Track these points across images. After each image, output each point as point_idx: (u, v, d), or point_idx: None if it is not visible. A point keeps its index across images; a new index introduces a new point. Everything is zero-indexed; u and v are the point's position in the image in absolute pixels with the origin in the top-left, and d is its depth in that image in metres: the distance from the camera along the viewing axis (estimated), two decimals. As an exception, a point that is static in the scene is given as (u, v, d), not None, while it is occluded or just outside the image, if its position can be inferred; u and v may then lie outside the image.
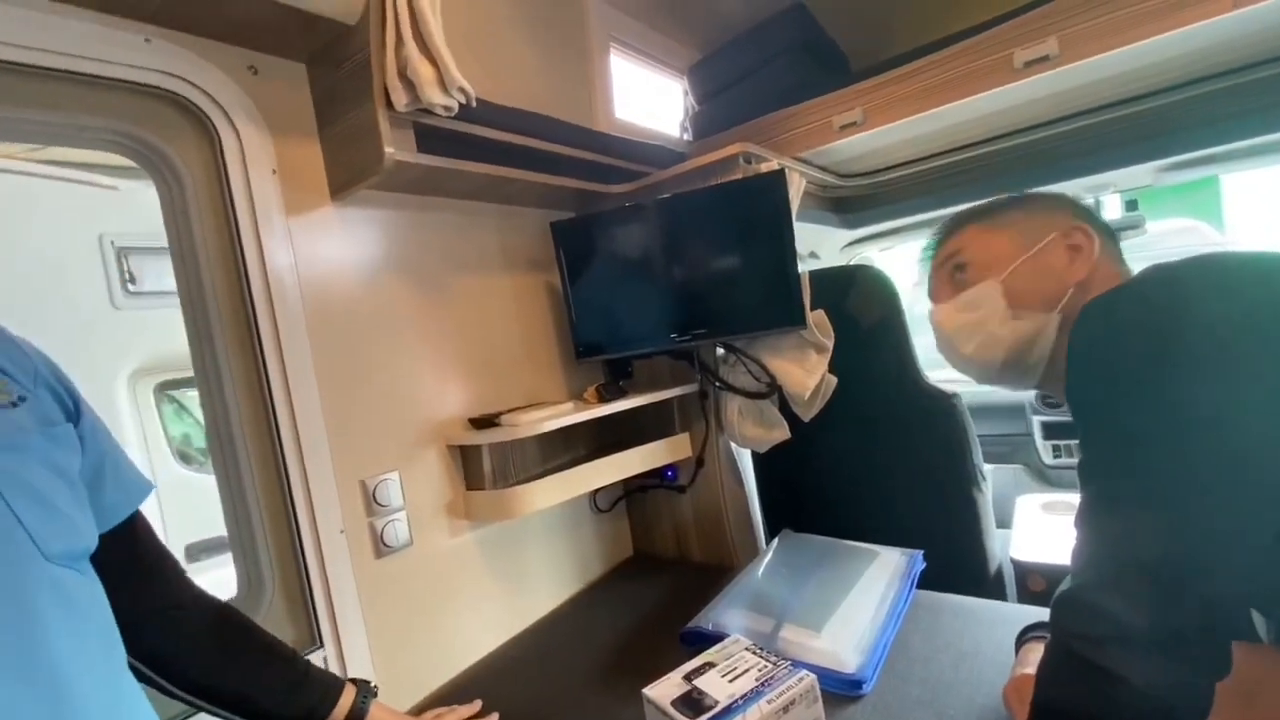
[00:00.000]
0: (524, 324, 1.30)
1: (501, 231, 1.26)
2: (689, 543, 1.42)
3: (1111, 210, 1.80)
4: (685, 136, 1.80)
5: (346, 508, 0.95)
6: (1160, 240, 4.31)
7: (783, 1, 1.60)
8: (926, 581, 1.08)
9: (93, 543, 0.51)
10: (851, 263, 2.07)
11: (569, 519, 1.35)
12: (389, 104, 0.88)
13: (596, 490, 1.30)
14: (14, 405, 0.49)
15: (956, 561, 1.21)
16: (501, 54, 1.25)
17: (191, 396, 2.85)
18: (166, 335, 2.56)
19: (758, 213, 1.13)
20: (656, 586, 1.30)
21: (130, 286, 2.61)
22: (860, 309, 1.29)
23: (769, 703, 0.69)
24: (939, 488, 1.26)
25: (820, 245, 1.90)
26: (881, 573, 1.08)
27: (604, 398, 1.22)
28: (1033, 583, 1.34)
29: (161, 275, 2.64)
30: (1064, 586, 0.53)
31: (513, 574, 1.21)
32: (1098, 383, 0.57)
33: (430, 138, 0.96)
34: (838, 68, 1.70)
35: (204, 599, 0.68)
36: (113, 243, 2.56)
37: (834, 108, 1.28)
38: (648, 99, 1.77)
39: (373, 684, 0.78)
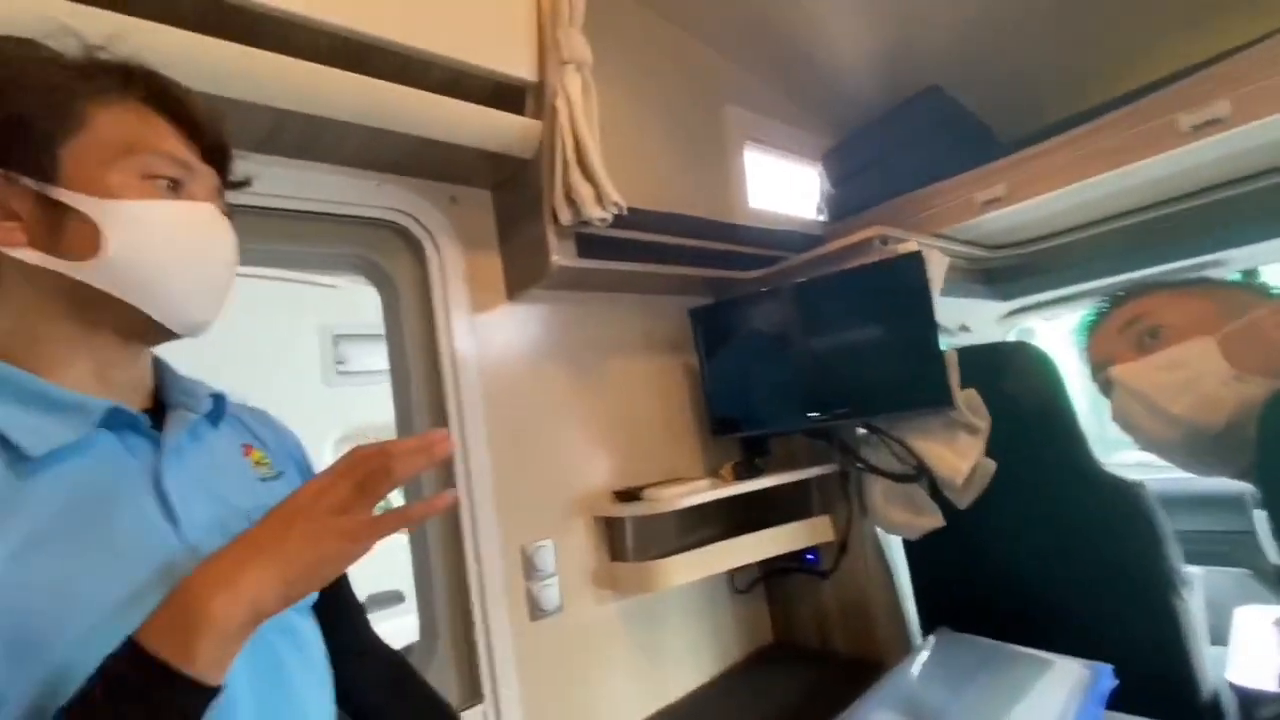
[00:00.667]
0: (664, 402, 1.38)
1: (644, 317, 1.38)
2: (832, 633, 1.35)
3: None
4: (821, 218, 1.85)
5: (508, 570, 1.05)
6: None
7: (914, 87, 1.63)
8: (1118, 703, 0.94)
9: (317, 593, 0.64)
10: (1009, 336, 1.93)
11: (707, 598, 1.35)
12: (555, 220, 1.04)
13: (735, 570, 1.30)
14: (276, 478, 0.63)
15: (1154, 680, 1.03)
16: (650, 162, 1.40)
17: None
18: (368, 408, 3.02)
19: (896, 293, 1.13)
20: (798, 678, 1.25)
21: (340, 367, 3.13)
22: (1019, 389, 1.21)
23: (924, 816, 0.64)
24: (1126, 592, 1.10)
25: (971, 317, 1.80)
26: (1058, 686, 0.96)
27: (740, 475, 1.25)
28: (1265, 711, 1.09)
29: (364, 357, 3.15)
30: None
31: (653, 649, 1.24)
32: None
33: (590, 242, 1.10)
34: (982, 143, 1.68)
35: (383, 647, 0.77)
36: (330, 331, 3.11)
37: (975, 185, 1.27)
38: (783, 186, 1.86)
39: None
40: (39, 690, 0.39)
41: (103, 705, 0.36)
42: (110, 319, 0.48)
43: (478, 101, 0.98)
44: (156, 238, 0.47)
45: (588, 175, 1.03)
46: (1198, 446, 0.69)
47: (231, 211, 0.55)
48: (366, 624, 0.77)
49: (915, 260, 1.10)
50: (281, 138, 0.88)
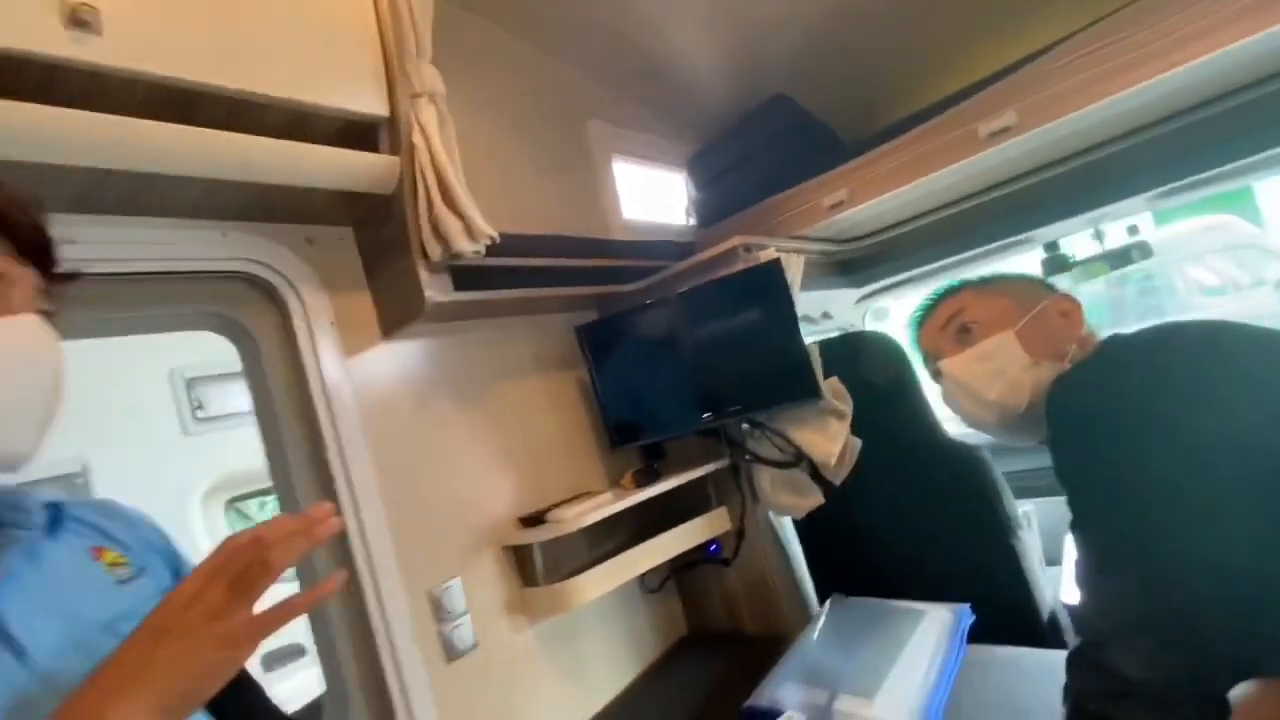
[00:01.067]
0: (560, 420, 1.40)
1: (533, 340, 1.38)
2: (740, 615, 1.44)
3: (1114, 238, 1.85)
4: (690, 222, 1.94)
5: (417, 617, 1.03)
6: (1191, 240, 4.26)
7: (765, 92, 1.75)
8: (977, 635, 1.09)
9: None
10: (866, 318, 2.13)
11: (622, 604, 1.40)
12: (425, 256, 1.02)
13: (645, 574, 1.35)
14: (136, 576, 0.59)
15: (1006, 612, 1.21)
16: (518, 184, 1.41)
17: (255, 505, 3.05)
18: (235, 454, 2.77)
19: (761, 298, 1.22)
20: (712, 663, 1.33)
21: (199, 413, 2.85)
22: (872, 372, 1.35)
23: (824, 779, 0.72)
24: (977, 539, 1.27)
25: (832, 305, 1.97)
26: (931, 632, 1.10)
27: (641, 483, 1.29)
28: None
29: (224, 399, 2.89)
30: (1073, 645, 0.58)
31: (574, 665, 1.26)
32: (1079, 445, 0.63)
33: (465, 273, 1.09)
34: (828, 144, 1.83)
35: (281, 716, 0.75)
36: (182, 375, 2.82)
37: (821, 191, 1.40)
38: (653, 194, 1.93)
39: None
40: None
41: None
42: None
43: (326, 141, 0.94)
44: None
45: (453, 208, 1.01)
46: (1009, 424, 0.82)
47: (55, 310, 0.50)
48: (262, 692, 0.73)
49: (774, 267, 1.19)
50: (102, 196, 0.80)
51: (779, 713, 0.90)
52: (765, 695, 1.03)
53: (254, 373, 1.00)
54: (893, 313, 2.30)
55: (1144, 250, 1.79)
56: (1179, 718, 0.49)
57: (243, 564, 0.43)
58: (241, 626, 0.43)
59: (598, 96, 1.69)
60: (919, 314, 0.93)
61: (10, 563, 0.48)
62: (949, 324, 0.86)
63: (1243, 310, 3.42)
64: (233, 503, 2.98)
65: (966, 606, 1.14)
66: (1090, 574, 0.57)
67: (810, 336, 1.92)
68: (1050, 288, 0.86)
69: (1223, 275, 3.83)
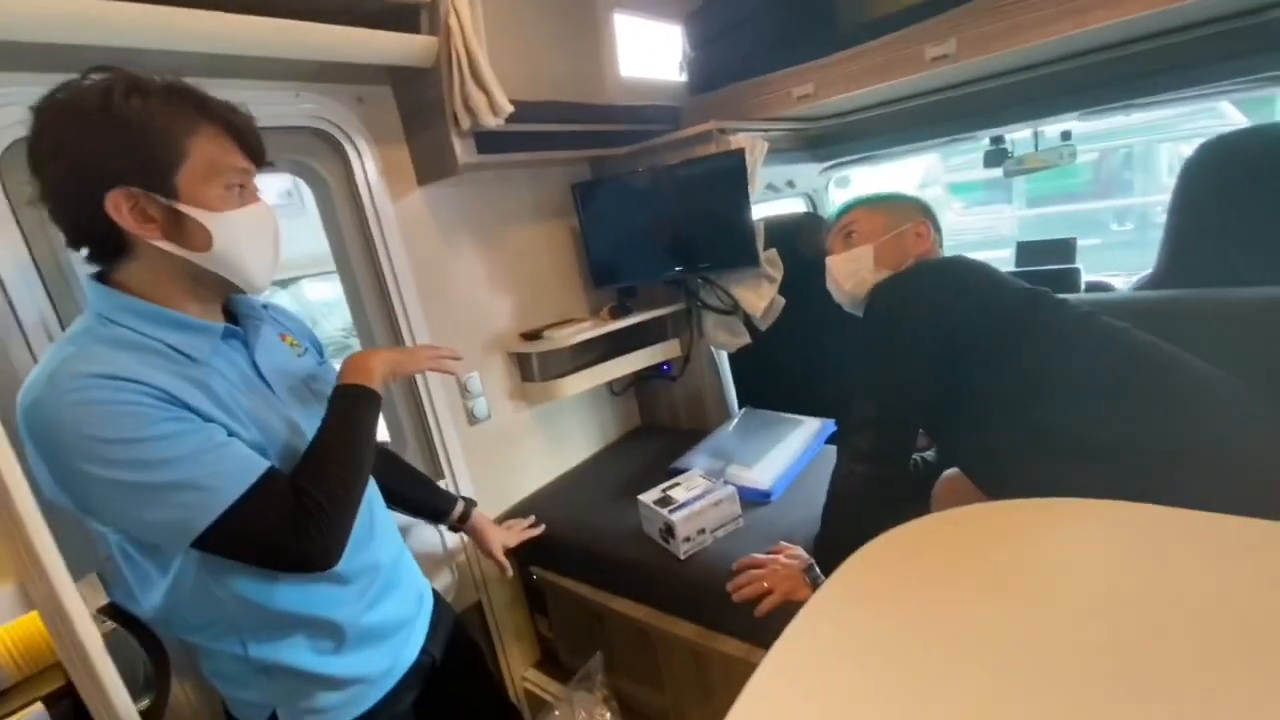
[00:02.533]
0: (554, 259, 1.75)
1: (534, 191, 1.68)
2: (679, 415, 1.95)
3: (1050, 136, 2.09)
4: (683, 78, 2.09)
5: (450, 393, 1.48)
6: (1178, 122, 4.37)
7: (768, -46, 1.82)
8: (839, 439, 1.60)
9: None
10: (829, 187, 2.40)
11: (593, 400, 1.88)
12: (457, 124, 1.28)
13: (612, 381, 1.80)
14: (304, 354, 0.97)
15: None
16: (526, 46, 1.57)
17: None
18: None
19: (725, 179, 1.52)
20: (656, 444, 1.85)
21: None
22: (805, 248, 1.69)
23: (704, 499, 1.23)
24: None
25: (797, 175, 2.23)
26: (803, 433, 1.59)
27: (616, 315, 1.69)
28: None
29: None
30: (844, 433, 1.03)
31: (555, 437, 1.77)
32: (869, 325, 1.04)
33: (485, 139, 1.35)
34: (822, 20, 1.94)
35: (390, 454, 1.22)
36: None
37: (791, 82, 1.61)
38: (650, 47, 2.04)
39: (474, 500, 1.32)
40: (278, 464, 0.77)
41: (340, 410, 0.81)
42: (213, 282, 0.76)
43: (375, 20, 1.15)
44: (243, 236, 0.74)
45: (480, 85, 1.25)
46: (854, 305, 1.21)
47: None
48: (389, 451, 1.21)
49: (738, 156, 1.47)
50: (217, 65, 1.03)
51: (689, 470, 1.40)
52: (683, 460, 1.54)
53: (328, 212, 1.31)
54: (853, 181, 2.57)
55: (1070, 154, 2.06)
56: (877, 466, 0.96)
57: (432, 350, 0.93)
58: (424, 355, 0.92)
59: (605, -54, 1.75)
60: (830, 218, 1.26)
61: (257, 338, 0.85)
62: (841, 230, 1.20)
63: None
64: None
65: (831, 420, 1.64)
66: (856, 397, 1.02)
67: (774, 202, 2.22)
68: (926, 211, 1.18)
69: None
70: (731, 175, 1.50)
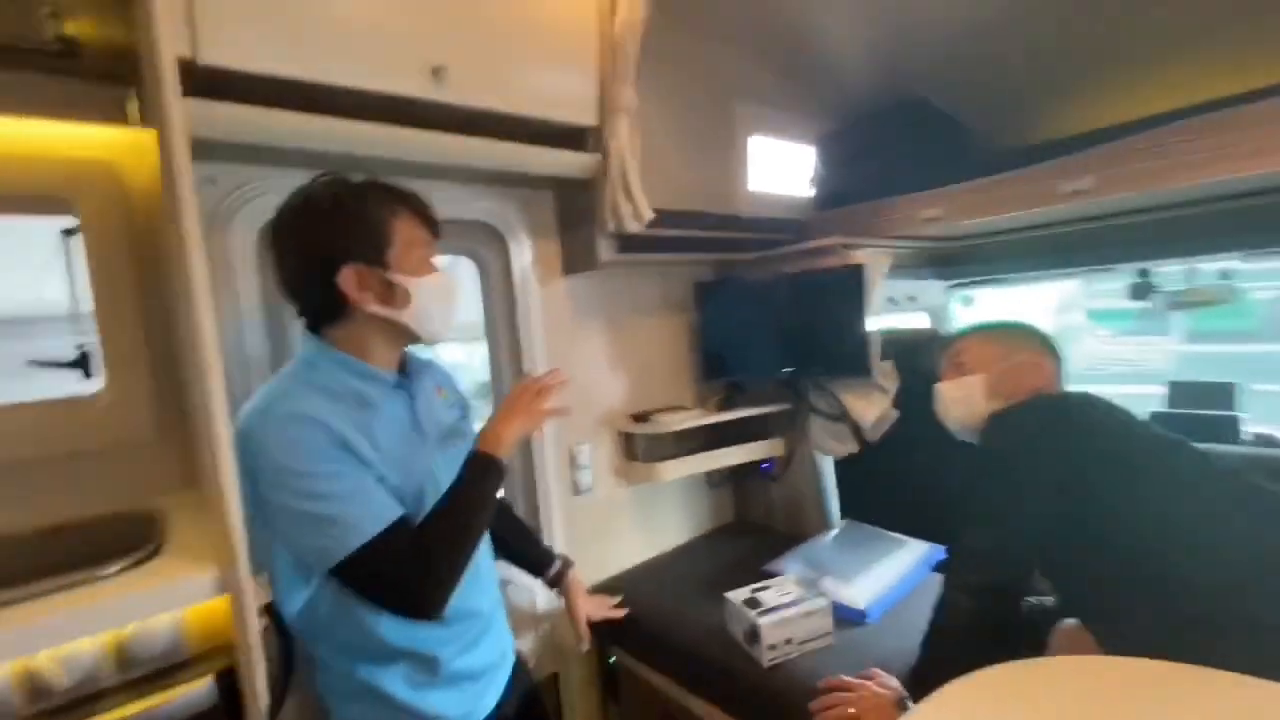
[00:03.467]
0: (670, 349, 1.87)
1: (661, 287, 1.83)
2: (775, 516, 1.93)
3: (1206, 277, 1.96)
4: (810, 192, 2.21)
5: (560, 462, 1.59)
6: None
7: (906, 86, 1.94)
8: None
9: None
10: (952, 304, 2.37)
11: (691, 488, 1.92)
12: (604, 228, 1.46)
13: (711, 472, 1.84)
14: (453, 406, 1.11)
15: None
16: (669, 161, 1.75)
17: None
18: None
19: (844, 292, 1.57)
20: (748, 542, 1.83)
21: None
22: (926, 365, 1.68)
23: (795, 607, 1.20)
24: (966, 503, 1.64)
25: (921, 291, 2.23)
26: (908, 555, 1.52)
27: (722, 408, 1.75)
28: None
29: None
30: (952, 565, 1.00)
31: (650, 519, 1.81)
32: (986, 454, 1.02)
33: (625, 240, 1.52)
34: (958, 149, 2.01)
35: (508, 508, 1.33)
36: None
37: (919, 205, 1.67)
38: (780, 164, 2.20)
39: (571, 560, 1.38)
40: (411, 505, 0.89)
41: (471, 478, 0.90)
42: (404, 336, 0.94)
43: (551, 137, 1.37)
44: (435, 296, 0.91)
45: (629, 197, 1.43)
46: (963, 433, 1.18)
47: None
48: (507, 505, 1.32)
49: (858, 271, 1.53)
50: (422, 170, 1.28)
51: (780, 574, 1.38)
52: (776, 564, 1.52)
53: (485, 288, 1.52)
54: (979, 300, 2.51)
55: (1226, 294, 1.91)
56: (983, 606, 0.91)
57: (536, 389, 0.97)
58: (540, 412, 0.97)
59: (747, 76, 1.95)
60: (943, 344, 1.27)
61: (419, 390, 1.00)
62: (952, 358, 1.21)
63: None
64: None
65: (941, 547, 1.55)
66: (967, 526, 0.98)
67: (894, 316, 2.23)
68: (1044, 342, 1.16)
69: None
70: (850, 287, 1.55)
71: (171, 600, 0.76)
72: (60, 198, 1.03)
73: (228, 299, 1.12)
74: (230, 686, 0.80)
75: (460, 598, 0.91)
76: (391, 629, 0.88)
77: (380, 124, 1.12)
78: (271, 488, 0.78)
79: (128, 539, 0.85)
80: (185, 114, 0.75)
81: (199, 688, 0.78)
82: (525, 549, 1.31)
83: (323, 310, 0.90)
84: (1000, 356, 1.14)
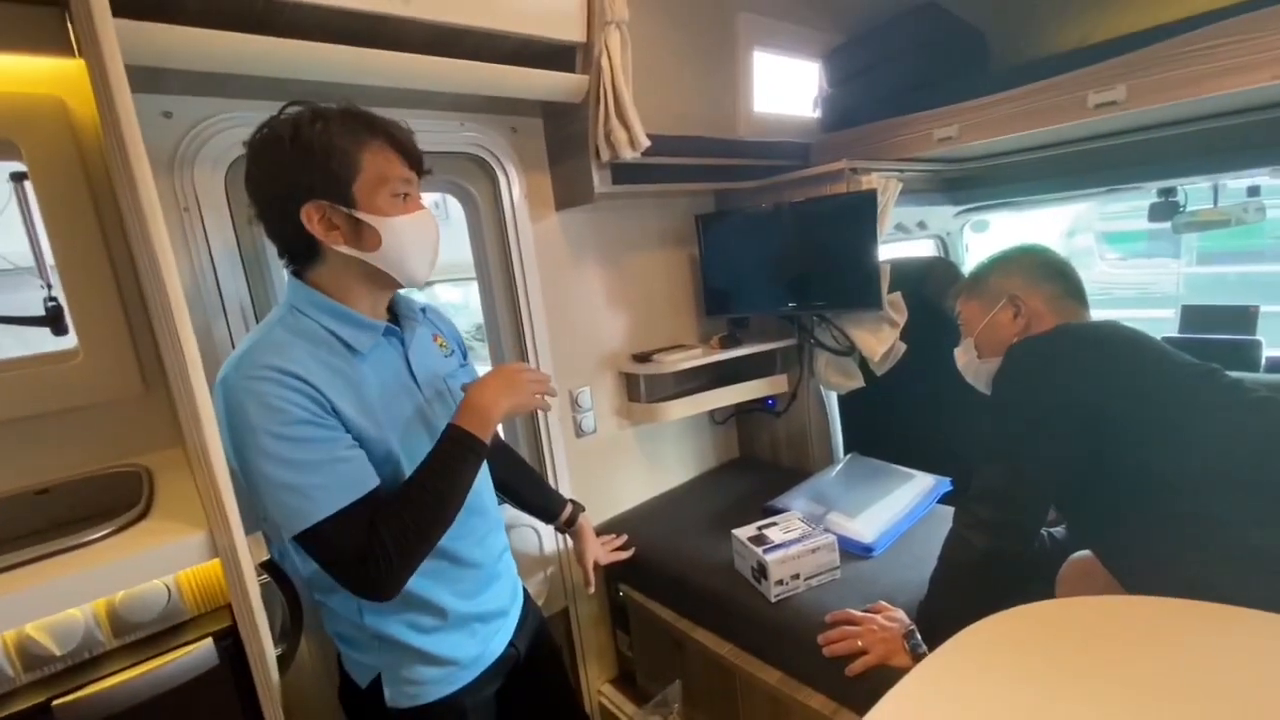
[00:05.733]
0: (670, 285, 1.80)
1: (659, 220, 1.74)
2: (780, 452, 1.92)
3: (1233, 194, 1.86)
4: (816, 113, 2.08)
5: (562, 406, 1.55)
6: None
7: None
8: (953, 500, 1.50)
9: None
10: (963, 230, 2.28)
11: (695, 427, 1.90)
12: (597, 156, 1.36)
13: (714, 409, 1.81)
14: (451, 355, 1.07)
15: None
16: (666, 81, 1.64)
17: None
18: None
19: (853, 219, 1.49)
20: (753, 478, 1.83)
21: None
22: (933, 295, 1.62)
23: (801, 544, 1.20)
24: (972, 436, 1.62)
25: (930, 216, 2.13)
26: (913, 489, 1.51)
27: (725, 345, 1.70)
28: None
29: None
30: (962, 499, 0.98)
31: (654, 458, 1.80)
32: (1005, 386, 0.98)
33: (620, 170, 1.43)
34: (972, 57, 1.87)
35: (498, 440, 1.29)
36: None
37: (933, 123, 1.56)
38: (785, 83, 2.06)
39: (582, 505, 1.37)
40: (386, 467, 0.86)
41: (443, 456, 0.83)
42: (381, 280, 0.87)
43: (535, 58, 1.25)
44: (406, 237, 0.84)
45: (623, 121, 1.33)
46: (980, 385, 1.14)
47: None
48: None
49: (869, 197, 1.44)
50: (399, 98, 1.18)
51: (787, 510, 1.37)
52: (781, 500, 1.51)
53: (475, 228, 1.44)
54: (992, 225, 2.41)
55: (1258, 210, 1.82)
56: (998, 540, 0.90)
57: (533, 376, 0.93)
58: (533, 397, 0.91)
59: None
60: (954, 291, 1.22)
61: (412, 340, 0.95)
62: (958, 318, 1.16)
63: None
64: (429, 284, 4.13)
65: (947, 479, 1.54)
66: (984, 463, 0.95)
67: (903, 243, 2.15)
68: (1028, 274, 1.07)
69: None
70: (860, 215, 1.47)
71: (161, 566, 0.74)
72: (1, 139, 0.94)
73: (197, 243, 1.05)
74: (233, 645, 0.79)
75: (469, 545, 0.91)
76: None
77: (344, 45, 1.01)
78: (242, 445, 0.74)
79: (115, 499, 0.82)
80: (114, 37, 0.66)
81: (199, 649, 0.76)
82: (536, 495, 1.29)
83: (296, 251, 0.84)
84: (981, 312, 1.09)
